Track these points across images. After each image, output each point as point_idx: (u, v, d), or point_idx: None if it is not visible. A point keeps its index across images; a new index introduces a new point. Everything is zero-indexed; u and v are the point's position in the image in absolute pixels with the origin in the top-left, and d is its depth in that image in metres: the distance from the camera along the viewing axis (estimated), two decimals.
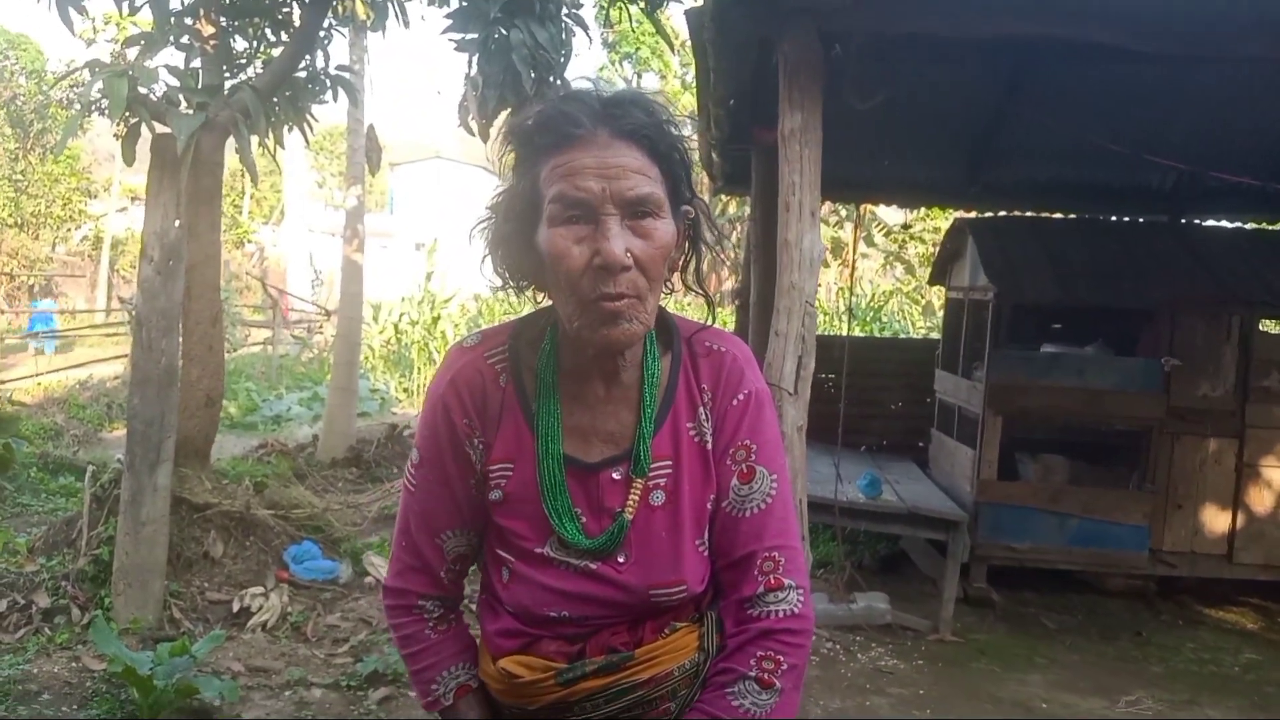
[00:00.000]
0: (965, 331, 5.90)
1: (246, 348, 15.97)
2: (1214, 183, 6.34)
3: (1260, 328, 5.54)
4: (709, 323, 1.36)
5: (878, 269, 21.87)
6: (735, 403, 1.27)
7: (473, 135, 4.43)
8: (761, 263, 5.89)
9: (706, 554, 1.27)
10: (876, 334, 14.31)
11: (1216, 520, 5.31)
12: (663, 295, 1.27)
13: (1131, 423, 5.36)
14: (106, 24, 17.00)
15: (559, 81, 4.56)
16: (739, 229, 17.59)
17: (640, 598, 1.23)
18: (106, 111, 4.43)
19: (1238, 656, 4.68)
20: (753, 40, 3.86)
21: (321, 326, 17.75)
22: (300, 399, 11.71)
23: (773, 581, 1.24)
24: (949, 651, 4.52)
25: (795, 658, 1.22)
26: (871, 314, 15.47)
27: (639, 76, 22.41)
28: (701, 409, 1.27)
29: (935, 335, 9.69)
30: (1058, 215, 6.77)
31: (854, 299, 14.37)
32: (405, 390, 13.54)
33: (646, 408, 1.25)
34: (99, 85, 4.21)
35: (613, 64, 22.05)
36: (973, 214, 6.86)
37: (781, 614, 1.23)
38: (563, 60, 4.79)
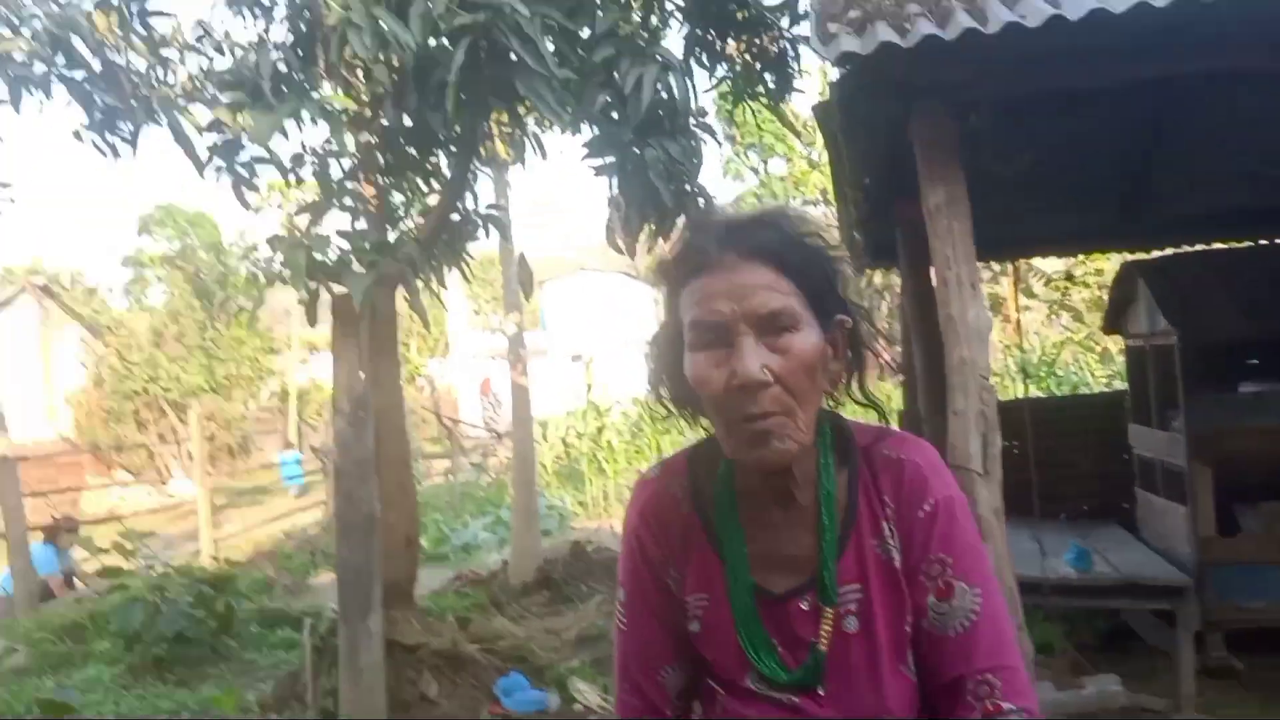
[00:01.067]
0: (1153, 380, 5.57)
1: (430, 480, 16.64)
2: None
3: None
4: (885, 426, 1.32)
5: (1042, 320, 21.02)
6: (921, 514, 1.20)
7: (621, 253, 4.59)
8: (922, 337, 5.77)
9: (913, 677, 1.21)
10: (1054, 390, 13.67)
11: None
12: (834, 406, 1.28)
13: None
14: (272, 192, 18.54)
15: (694, 189, 4.69)
16: (888, 299, 17.30)
17: None
18: (289, 281, 4.82)
19: None
20: (883, 123, 3.87)
21: (496, 450, 18.35)
22: (485, 524, 12.07)
23: (990, 708, 1.16)
24: None
25: None
26: (1045, 369, 14.81)
27: (765, 164, 22.66)
28: (885, 524, 1.22)
29: (1118, 383, 9.19)
30: (1229, 245, 6.39)
31: (1023, 355, 13.83)
32: (580, 504, 13.78)
33: (826, 530, 1.22)
34: (280, 257, 4.59)
35: (738, 155, 22.39)
36: (1137, 255, 6.55)
37: None
38: (696, 165, 4.94)
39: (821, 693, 1.21)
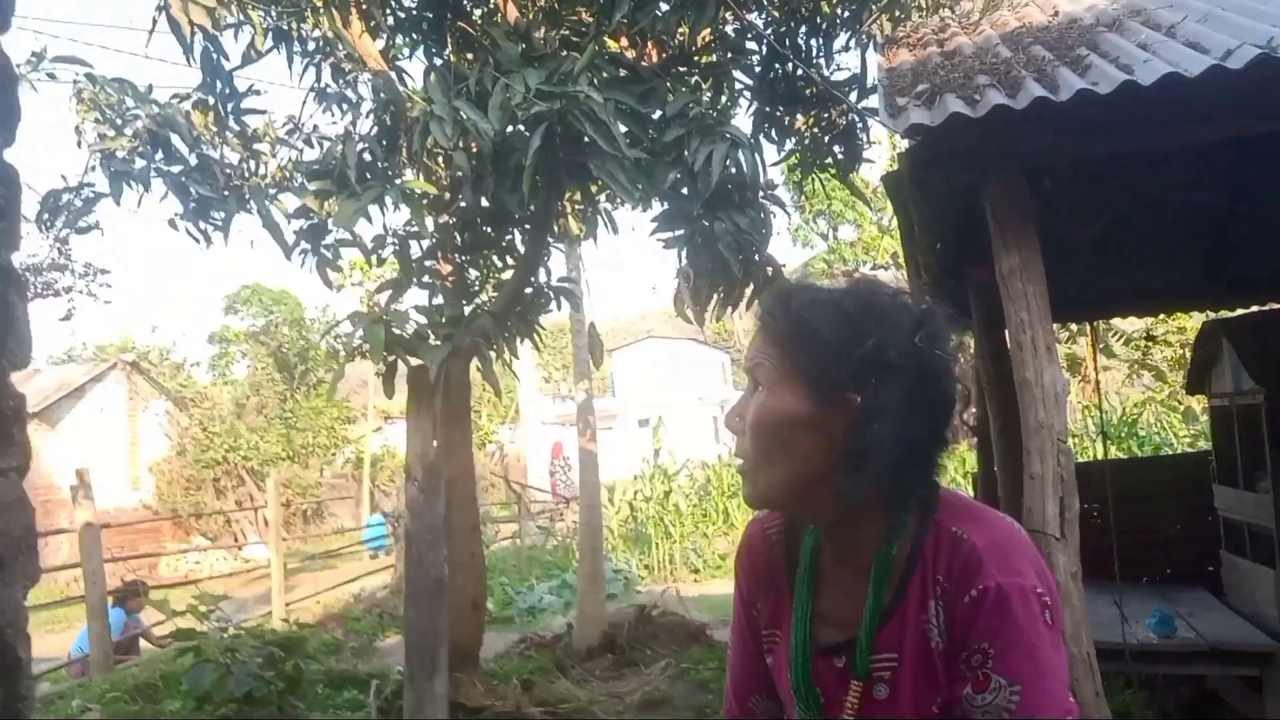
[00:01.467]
0: (1239, 440, 5.40)
1: (498, 543, 16.71)
2: None
3: None
4: (977, 503, 1.30)
5: (1123, 380, 20.49)
6: (968, 599, 1.15)
7: (690, 324, 4.62)
8: (997, 399, 5.68)
9: None
10: (1135, 450, 13.29)
11: None
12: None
13: None
14: (353, 270, 19.09)
15: (762, 259, 4.73)
16: (961, 360, 17.03)
17: None
18: (368, 354, 4.97)
19: None
20: (954, 190, 3.87)
21: (562, 514, 18.38)
22: (550, 588, 12.05)
23: None
24: None
25: None
26: (1126, 429, 14.42)
27: (834, 230, 22.71)
28: (934, 603, 1.18)
29: (1202, 443, 8.89)
30: None
31: (1104, 415, 13.49)
32: (646, 567, 13.67)
33: (871, 599, 1.22)
34: (360, 333, 4.74)
35: (806, 223, 22.48)
36: (1220, 313, 6.39)
37: None
38: (764, 234, 4.99)
39: None
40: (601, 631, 7.96)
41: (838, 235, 22.66)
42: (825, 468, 1.20)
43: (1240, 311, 6.25)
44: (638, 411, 33.86)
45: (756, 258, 4.52)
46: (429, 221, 5.17)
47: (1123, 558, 4.87)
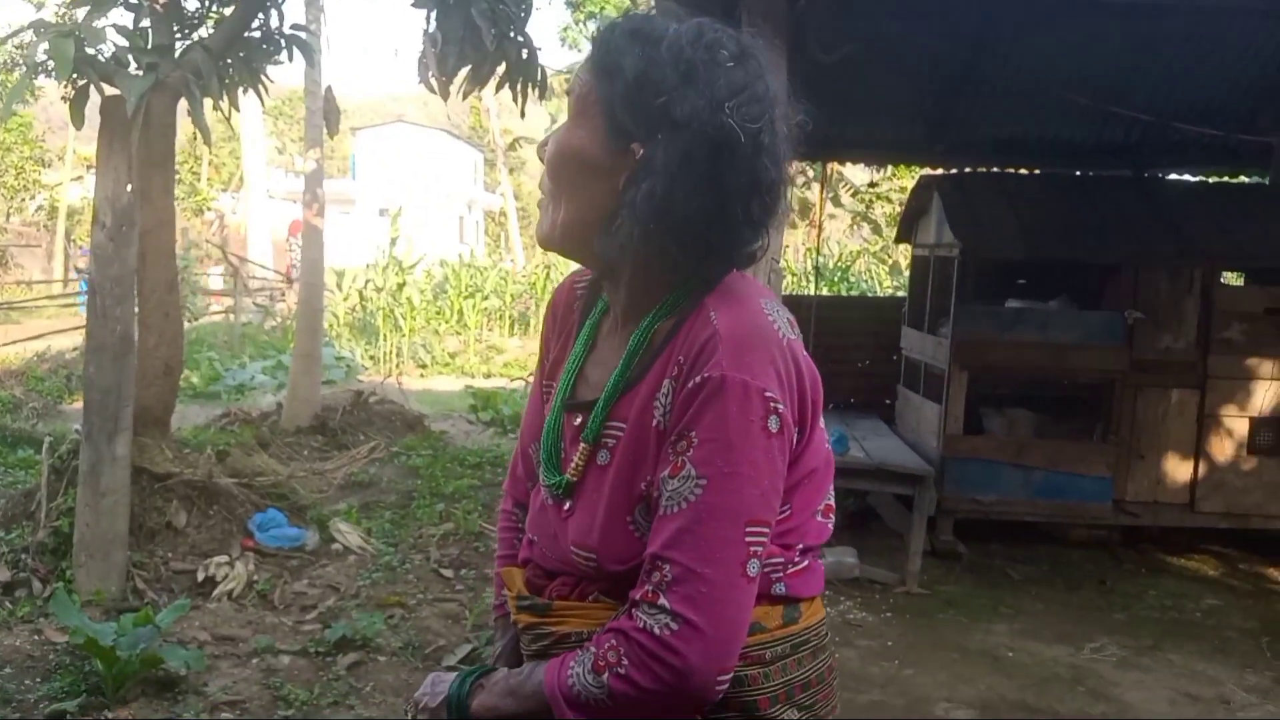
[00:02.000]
0: (931, 288, 5.91)
1: (208, 317, 15.75)
2: (1177, 136, 6.38)
3: (1221, 280, 5.60)
4: (765, 290, 1.22)
5: (845, 229, 21.88)
6: (692, 384, 1.09)
7: (433, 93, 4.34)
8: None
9: (639, 535, 1.14)
10: (844, 292, 14.35)
11: (1178, 470, 5.38)
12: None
13: (1095, 376, 5.41)
14: None
15: (520, 37, 4.47)
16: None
17: (563, 550, 1.21)
18: (54, 74, 4.29)
19: (1199, 602, 4.76)
20: None
21: (284, 294, 17.52)
22: (264, 368, 11.57)
23: (650, 594, 1.06)
24: (916, 603, 4.57)
25: (640, 674, 1.05)
26: (839, 274, 15.51)
27: None
28: (668, 381, 1.13)
29: (903, 294, 9.73)
30: (1023, 171, 6.79)
31: (821, 259, 14.35)
32: (371, 358, 13.40)
33: (621, 365, 1.19)
34: (45, 46, 4.07)
35: (576, 24, 21.72)
36: (939, 171, 6.85)
37: (641, 626, 1.06)
38: (523, 15, 4.70)
39: (566, 507, 1.22)
40: (313, 413, 7.76)
41: None
42: (602, 218, 1.15)
43: (955, 171, 6.73)
44: (378, 200, 32.38)
45: (512, 34, 4.26)
46: None
47: None
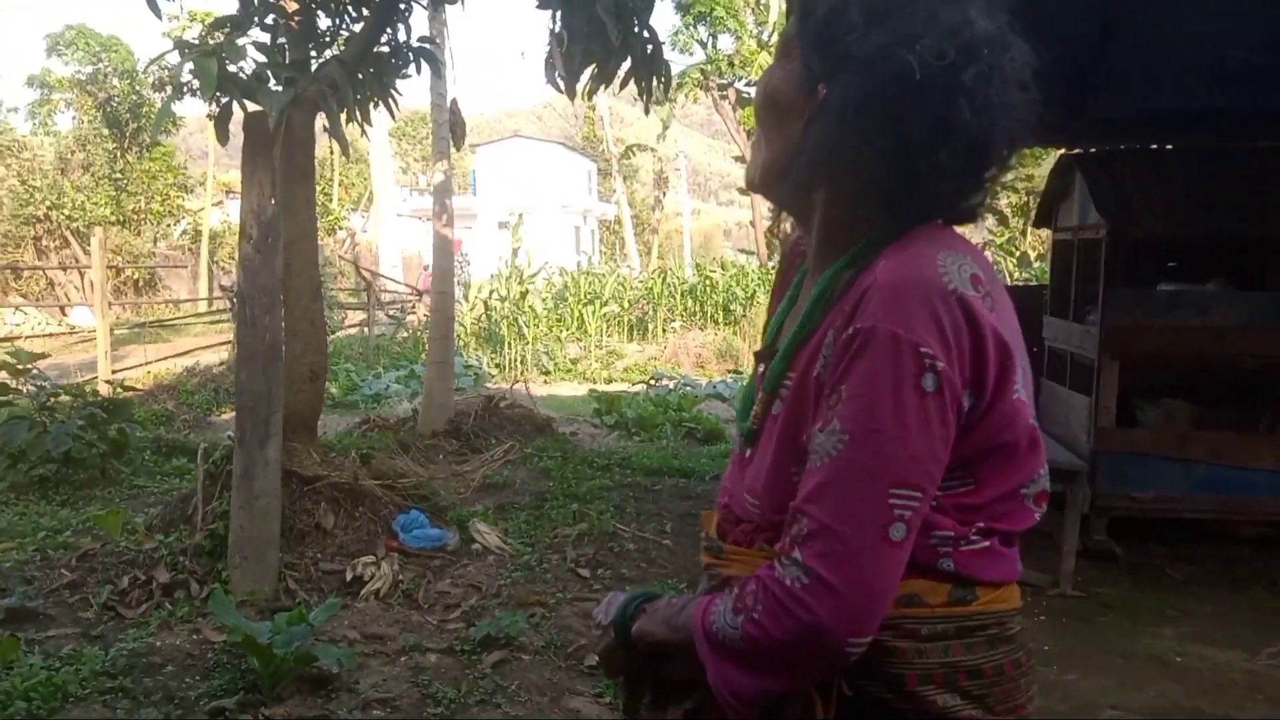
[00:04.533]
0: (1076, 273, 5.63)
1: (344, 330, 16.32)
2: None
3: None
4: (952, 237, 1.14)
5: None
6: (847, 334, 1.05)
7: (560, 92, 4.35)
8: None
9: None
10: None
11: None
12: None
13: (1261, 361, 5.05)
14: (193, 21, 17.43)
15: (645, 32, 4.45)
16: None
17: (741, 496, 1.22)
18: (198, 92, 4.48)
19: None
20: None
21: (414, 307, 18.03)
22: (398, 377, 11.91)
23: (786, 547, 1.05)
24: (1072, 606, 4.34)
25: (769, 622, 1.04)
26: None
27: (714, 37, 22.07)
28: (832, 332, 1.09)
29: (1033, 284, 9.33)
30: (1170, 147, 6.41)
31: None
32: (497, 365, 13.65)
33: (804, 314, 1.17)
34: (190, 66, 4.26)
35: (686, 27, 21.74)
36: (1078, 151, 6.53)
37: (776, 577, 1.04)
38: (646, 10, 4.67)
39: (749, 454, 1.23)
40: (447, 419, 7.92)
41: (716, 45, 22.06)
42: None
43: (1097, 150, 6.40)
44: (498, 213, 33.10)
45: (636, 28, 4.24)
46: None
47: None
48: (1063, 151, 6.74)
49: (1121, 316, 5.04)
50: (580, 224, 39.26)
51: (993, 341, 1.05)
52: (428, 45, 5.73)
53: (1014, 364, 1.08)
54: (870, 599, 1.02)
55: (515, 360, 13.71)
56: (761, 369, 1.25)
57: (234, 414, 4.45)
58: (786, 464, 1.13)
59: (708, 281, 17.89)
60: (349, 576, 4.36)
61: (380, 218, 22.39)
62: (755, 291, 17.09)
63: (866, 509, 1.02)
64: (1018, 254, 19.18)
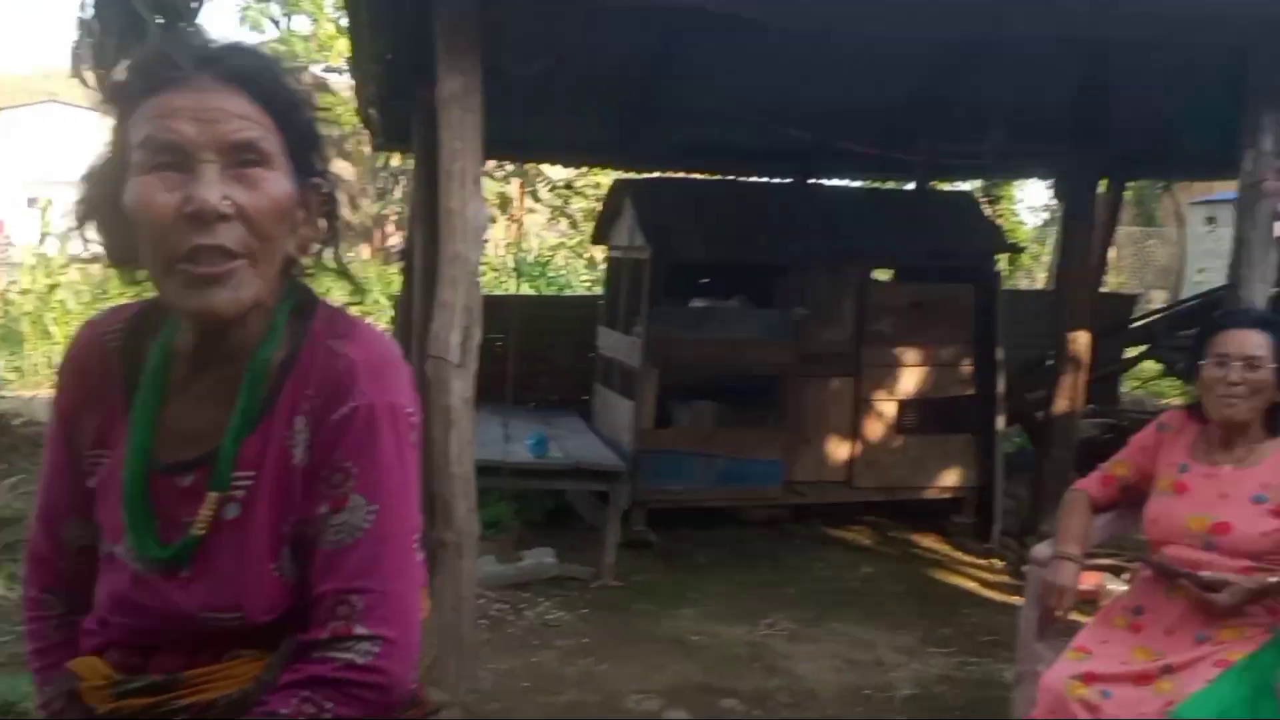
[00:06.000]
0: (624, 289, 6.17)
1: None
2: (838, 145, 7.03)
3: (873, 277, 6.27)
4: (355, 312, 1.29)
5: (544, 223, 22.20)
6: (338, 416, 1.11)
7: (87, 87, 3.95)
8: (425, 227, 5.76)
9: (288, 579, 1.14)
10: (544, 289, 14.61)
11: (838, 450, 5.98)
12: (308, 279, 1.22)
13: (768, 368, 5.86)
14: None
15: (192, 29, 4.16)
16: (403, 184, 17.11)
17: (187, 618, 1.14)
18: None
19: (857, 571, 5.31)
20: None
21: None
22: None
23: (341, 629, 1.08)
24: (612, 596, 4.75)
25: (349, 708, 1.08)
26: (540, 269, 15.74)
27: (288, 18, 20.97)
28: (301, 418, 1.13)
29: (598, 289, 10.05)
30: (705, 176, 7.22)
31: (522, 254, 14.41)
32: (16, 369, 11.82)
33: (239, 409, 1.13)
34: None
35: (256, 2, 20.43)
36: (630, 174, 7.14)
37: (341, 664, 1.08)
38: (195, 5, 4.38)
39: (184, 575, 1.14)
40: None
41: (291, 25, 20.98)
42: None
43: (644, 176, 7.05)
44: (28, 189, 28.83)
45: (182, 24, 3.96)
46: None
47: (516, 384, 5.37)
48: (618, 174, 7.35)
49: (660, 330, 5.62)
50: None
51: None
52: None
53: None
54: (417, 638, 1.15)
55: (41, 364, 11.95)
56: (189, 480, 1.15)
57: None
58: (265, 562, 1.13)
59: None
60: None
61: None
62: None
63: (408, 566, 1.16)
64: (587, 256, 20.42)
